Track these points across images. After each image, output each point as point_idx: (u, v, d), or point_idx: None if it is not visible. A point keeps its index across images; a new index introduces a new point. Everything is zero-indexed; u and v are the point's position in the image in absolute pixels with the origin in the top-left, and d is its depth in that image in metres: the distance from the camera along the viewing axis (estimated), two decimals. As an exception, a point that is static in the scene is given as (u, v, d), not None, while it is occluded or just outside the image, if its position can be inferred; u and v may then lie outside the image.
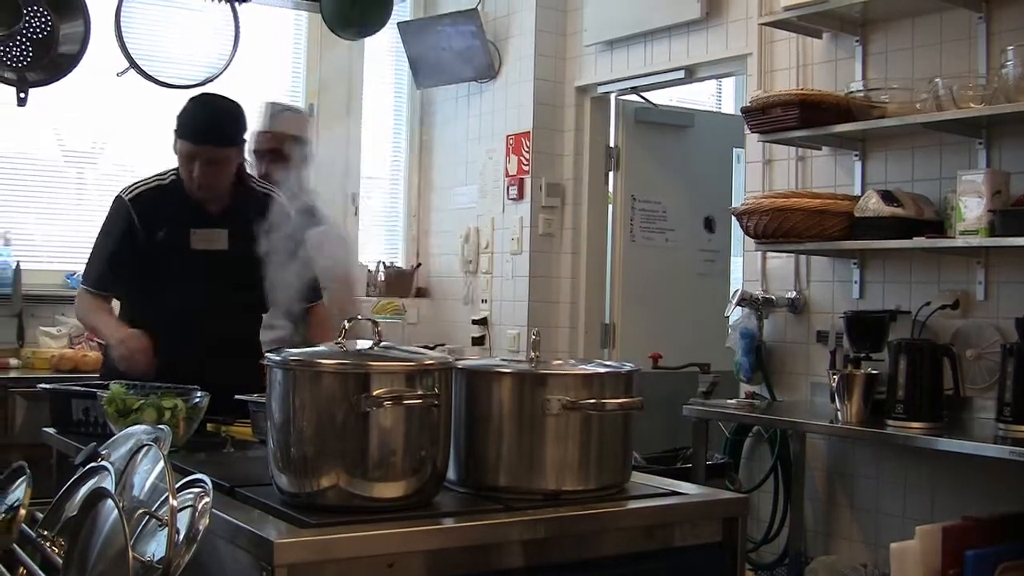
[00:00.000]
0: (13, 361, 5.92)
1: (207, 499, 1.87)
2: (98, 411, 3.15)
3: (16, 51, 5.73)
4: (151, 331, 3.64)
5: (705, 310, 6.38)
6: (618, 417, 2.50)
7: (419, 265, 7.62)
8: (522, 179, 6.77)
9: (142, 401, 2.99)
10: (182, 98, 3.87)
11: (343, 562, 2.09)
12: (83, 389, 3.41)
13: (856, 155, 5.06)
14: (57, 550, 2.04)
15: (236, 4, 6.35)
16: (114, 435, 2.57)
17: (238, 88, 5.79)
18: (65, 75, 5.89)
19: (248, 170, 4.18)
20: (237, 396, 3.19)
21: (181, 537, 1.83)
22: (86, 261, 3.96)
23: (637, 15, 6.20)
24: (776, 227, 4.79)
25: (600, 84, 6.64)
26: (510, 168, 6.86)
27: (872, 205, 4.60)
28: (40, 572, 2.01)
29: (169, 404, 2.99)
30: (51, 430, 3.47)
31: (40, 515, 2.18)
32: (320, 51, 7.20)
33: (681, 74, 6.11)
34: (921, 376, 4.24)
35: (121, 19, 6.06)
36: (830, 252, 5.02)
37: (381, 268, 7.44)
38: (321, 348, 2.42)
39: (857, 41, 5.07)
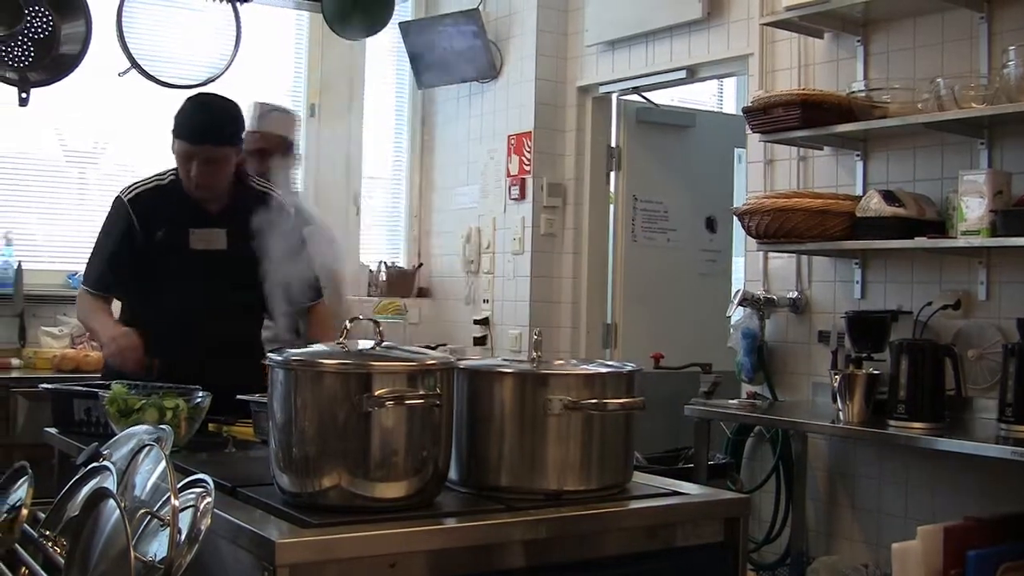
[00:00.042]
0: (15, 361, 5.93)
1: (209, 499, 1.88)
2: (100, 411, 3.15)
3: (18, 51, 5.74)
4: (151, 331, 3.65)
5: (707, 310, 6.38)
6: (620, 417, 2.50)
7: (421, 265, 7.62)
8: (524, 179, 6.77)
9: (144, 401, 2.99)
10: (183, 98, 3.87)
11: (345, 562, 2.09)
12: (85, 389, 3.41)
13: (858, 155, 5.06)
14: (59, 550, 2.05)
15: (237, 4, 6.36)
16: (115, 435, 2.57)
17: (240, 88, 5.81)
18: (67, 75, 5.90)
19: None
20: (238, 396, 3.19)
21: (183, 537, 1.83)
22: (87, 262, 3.96)
23: (638, 15, 6.20)
24: (778, 227, 4.79)
25: (601, 84, 6.63)
26: (512, 168, 6.86)
27: (874, 205, 4.60)
28: (42, 572, 2.02)
29: (171, 404, 2.99)
30: (53, 430, 3.47)
31: (42, 515, 2.18)
32: (322, 51, 7.20)
33: (682, 74, 6.11)
34: (923, 376, 4.24)
35: (123, 19, 6.07)
36: (831, 252, 5.02)
37: (383, 268, 7.45)
38: (323, 348, 2.42)
39: (858, 41, 5.07)
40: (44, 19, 5.78)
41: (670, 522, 2.53)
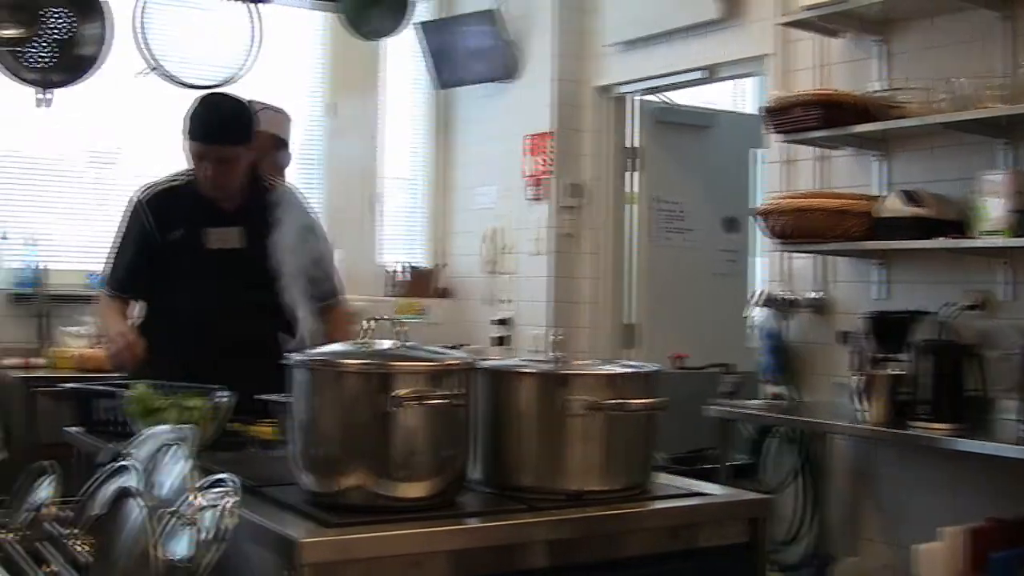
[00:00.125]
0: (37, 360, 5.96)
1: (234, 498, 1.88)
2: (121, 410, 3.16)
3: (39, 52, 5.76)
4: (168, 331, 3.67)
5: (725, 310, 6.37)
6: (641, 417, 2.49)
7: (445, 265, 7.63)
8: (543, 179, 6.77)
9: (166, 401, 2.99)
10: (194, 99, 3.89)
11: (366, 562, 2.09)
12: (106, 388, 3.42)
13: (876, 155, 5.04)
14: (86, 548, 2.05)
15: (256, 5, 6.37)
16: (137, 434, 2.58)
17: (259, 88, 5.81)
18: (87, 76, 5.92)
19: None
20: (258, 396, 3.18)
21: (208, 536, 1.83)
22: (106, 264, 3.98)
23: (656, 15, 6.20)
24: (797, 227, 4.78)
25: (620, 84, 6.63)
26: (531, 168, 6.86)
27: (893, 205, 4.59)
28: (67, 570, 2.02)
29: (192, 404, 3.00)
30: (74, 429, 3.48)
31: (66, 513, 2.19)
32: (341, 51, 7.21)
33: (700, 74, 6.12)
34: (944, 377, 4.23)
35: (142, 20, 6.08)
36: (851, 253, 5.01)
37: (403, 269, 7.45)
38: (344, 348, 2.42)
39: (877, 41, 5.05)
40: (65, 20, 5.79)
41: (692, 522, 2.52)
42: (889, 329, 4.68)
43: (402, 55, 7.52)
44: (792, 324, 5.42)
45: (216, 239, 3.82)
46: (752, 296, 5.56)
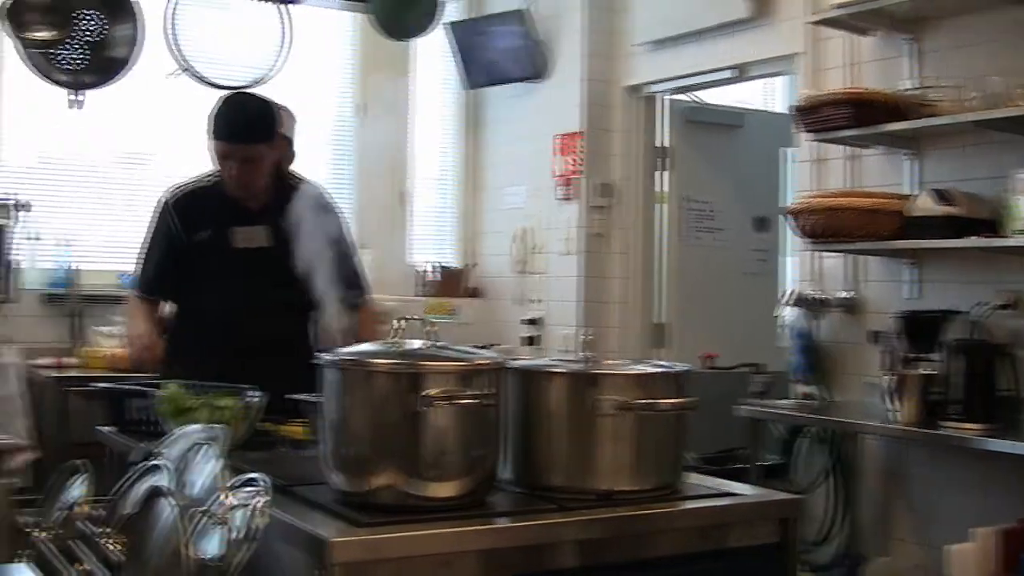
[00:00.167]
0: (69, 360, 6.00)
1: (265, 498, 1.88)
2: (153, 410, 3.17)
3: (71, 54, 5.80)
4: (195, 331, 3.70)
5: (756, 310, 6.35)
6: (671, 417, 2.49)
7: (475, 265, 7.63)
8: (573, 179, 6.77)
9: (197, 400, 3.00)
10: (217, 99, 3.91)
11: (397, 561, 2.09)
12: (138, 388, 3.43)
13: (908, 154, 5.02)
14: (118, 547, 2.06)
15: (287, 6, 6.39)
16: (168, 434, 2.59)
17: (289, 89, 5.85)
18: (119, 78, 5.95)
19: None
20: (289, 396, 3.19)
21: (239, 535, 1.84)
22: (136, 266, 4.01)
23: (686, 14, 6.19)
24: (828, 227, 4.76)
25: (649, 84, 6.62)
26: (561, 168, 6.86)
27: (925, 204, 4.57)
28: (101, 568, 2.03)
29: (223, 404, 3.00)
30: (106, 428, 3.50)
31: (99, 512, 2.20)
32: (371, 52, 7.23)
33: (730, 73, 6.10)
34: (976, 377, 4.21)
35: (174, 22, 6.12)
36: (882, 252, 4.99)
37: (433, 269, 7.47)
38: (375, 347, 2.42)
39: (907, 39, 5.03)
40: (97, 22, 5.83)
41: (723, 523, 2.52)
42: (921, 329, 4.65)
43: (432, 55, 7.53)
44: (823, 324, 5.40)
45: (243, 238, 3.84)
46: (783, 296, 5.54)
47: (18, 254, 5.92)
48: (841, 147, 5.26)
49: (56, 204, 6.38)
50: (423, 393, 2.21)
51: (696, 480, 2.75)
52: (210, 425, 2.54)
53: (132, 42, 5.93)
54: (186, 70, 6.15)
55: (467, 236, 7.75)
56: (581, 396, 2.40)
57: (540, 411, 2.45)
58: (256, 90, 5.15)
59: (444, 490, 2.26)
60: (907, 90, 4.78)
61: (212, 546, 1.86)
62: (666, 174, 6.75)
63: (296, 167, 4.44)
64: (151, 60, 6.10)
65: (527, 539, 2.24)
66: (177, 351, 3.82)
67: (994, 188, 4.56)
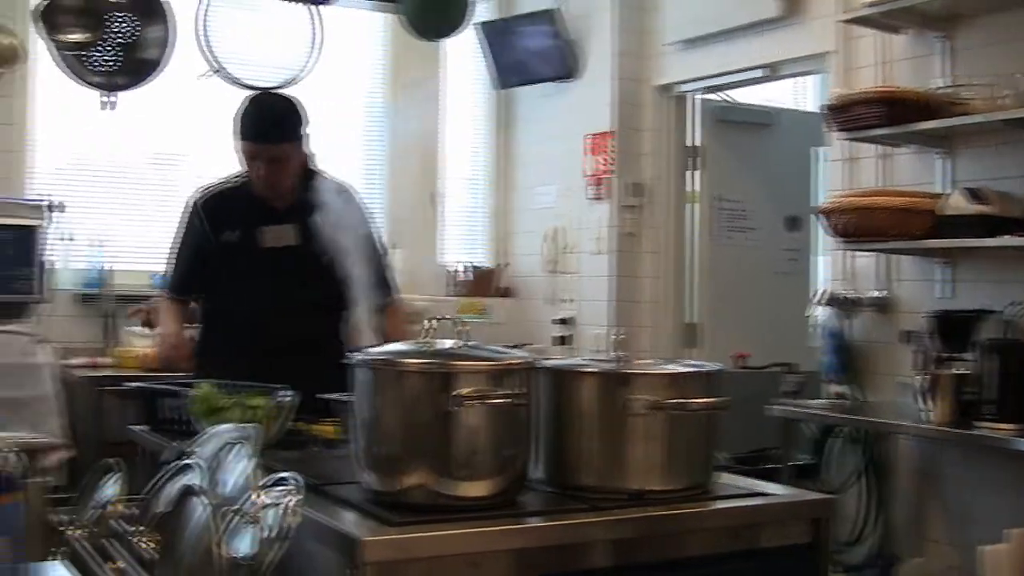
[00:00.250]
0: (103, 360, 6.04)
1: (297, 497, 1.89)
2: (185, 409, 3.18)
3: (103, 56, 5.83)
4: (225, 331, 3.72)
5: (788, 310, 6.32)
6: (703, 417, 2.48)
7: (507, 264, 7.64)
8: (604, 178, 6.76)
9: (229, 400, 3.01)
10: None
11: (428, 561, 2.10)
12: (170, 388, 3.45)
13: (940, 153, 4.99)
14: (151, 545, 2.07)
15: (317, 7, 6.41)
16: (201, 433, 2.60)
17: (321, 89, 5.87)
18: (151, 79, 5.99)
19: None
20: (320, 395, 3.20)
21: (271, 534, 1.84)
22: (166, 266, 4.03)
23: (716, 14, 6.17)
24: (860, 226, 4.74)
25: (680, 83, 6.61)
26: (592, 168, 6.85)
27: (957, 203, 4.54)
28: (132, 566, 2.05)
29: (255, 403, 3.01)
30: (139, 428, 3.52)
31: (132, 511, 2.21)
32: (402, 52, 7.24)
33: (761, 72, 6.08)
34: (1010, 376, 4.18)
35: (205, 23, 6.14)
36: (915, 251, 4.96)
37: (465, 268, 7.48)
38: (406, 347, 2.42)
39: (939, 37, 5.00)
40: (129, 24, 5.86)
41: (754, 523, 2.51)
42: (953, 328, 4.62)
43: (462, 55, 7.54)
44: (855, 323, 5.38)
45: (271, 237, 3.85)
46: (815, 295, 5.52)
47: (52, 255, 5.97)
48: (873, 146, 5.23)
49: (89, 205, 6.43)
50: (454, 393, 2.21)
51: (728, 480, 2.75)
52: (242, 424, 2.55)
53: (164, 44, 5.96)
54: (218, 71, 6.18)
55: (498, 236, 7.75)
56: (612, 396, 2.40)
57: (571, 411, 2.45)
58: (286, 90, 5.17)
59: (475, 490, 2.26)
60: (939, 88, 4.75)
61: (244, 545, 1.86)
62: (697, 173, 6.74)
63: (325, 166, 4.46)
64: (182, 61, 6.13)
65: (558, 539, 2.24)
66: (206, 351, 3.84)
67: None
